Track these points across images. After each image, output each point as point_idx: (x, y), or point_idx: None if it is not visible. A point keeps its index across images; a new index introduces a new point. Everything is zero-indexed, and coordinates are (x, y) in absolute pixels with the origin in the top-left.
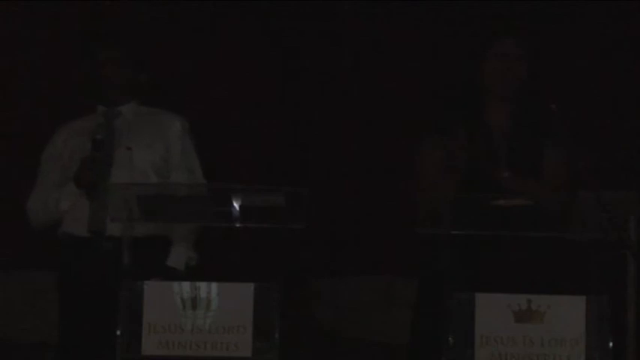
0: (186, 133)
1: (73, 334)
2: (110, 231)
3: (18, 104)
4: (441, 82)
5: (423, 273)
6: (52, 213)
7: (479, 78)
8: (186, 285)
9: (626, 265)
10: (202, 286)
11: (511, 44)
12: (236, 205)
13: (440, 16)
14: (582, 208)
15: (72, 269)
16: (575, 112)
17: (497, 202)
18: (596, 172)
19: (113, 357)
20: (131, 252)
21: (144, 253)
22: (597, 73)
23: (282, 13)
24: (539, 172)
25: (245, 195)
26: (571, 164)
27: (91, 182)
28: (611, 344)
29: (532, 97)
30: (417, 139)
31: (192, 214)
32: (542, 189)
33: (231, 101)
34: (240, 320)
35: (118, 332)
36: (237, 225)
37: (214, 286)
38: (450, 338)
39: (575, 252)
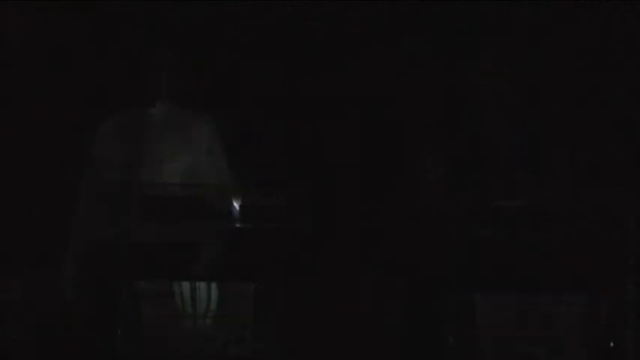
0: (215, 135)
1: None
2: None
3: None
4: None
5: (423, 272)
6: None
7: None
8: (186, 285)
9: (626, 265)
10: (202, 286)
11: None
12: (236, 205)
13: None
14: (582, 207)
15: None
16: (574, 111)
17: (497, 202)
18: (596, 171)
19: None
20: (134, 253)
21: (160, 254)
22: (596, 71)
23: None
24: (543, 173)
25: (245, 195)
26: (574, 165)
27: None
28: (611, 344)
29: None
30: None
31: (193, 214)
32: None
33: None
34: (240, 320)
35: (118, 332)
36: (238, 225)
37: (214, 286)
38: (450, 338)
39: (575, 252)
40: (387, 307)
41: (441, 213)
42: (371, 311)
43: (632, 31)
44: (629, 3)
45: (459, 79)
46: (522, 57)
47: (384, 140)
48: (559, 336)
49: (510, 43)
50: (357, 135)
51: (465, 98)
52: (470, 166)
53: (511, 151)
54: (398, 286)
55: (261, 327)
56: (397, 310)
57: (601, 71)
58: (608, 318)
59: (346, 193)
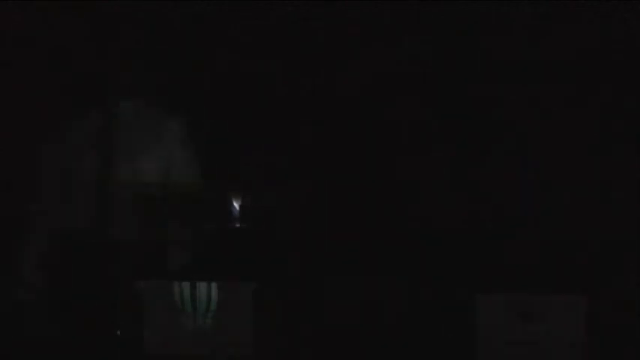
0: (189, 134)
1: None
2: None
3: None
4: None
5: (420, 272)
6: None
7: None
8: (186, 285)
9: (626, 265)
10: (202, 286)
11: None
12: (236, 205)
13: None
14: (581, 206)
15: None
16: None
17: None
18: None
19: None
20: (132, 253)
21: (146, 253)
22: (594, 68)
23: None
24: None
25: (244, 196)
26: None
27: None
28: (611, 344)
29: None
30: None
31: (190, 214)
32: None
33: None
34: (240, 320)
35: (118, 332)
36: (237, 225)
37: (214, 286)
38: (449, 338)
39: (575, 252)
40: (387, 307)
41: (441, 213)
42: (371, 311)
43: (632, 31)
44: (629, 3)
45: (458, 79)
46: (522, 57)
47: (384, 140)
48: (559, 336)
49: (510, 43)
50: (356, 134)
51: (464, 98)
52: (470, 166)
53: (511, 151)
54: (398, 286)
55: (261, 327)
56: (397, 310)
57: (601, 71)
58: (609, 318)
59: (346, 193)
